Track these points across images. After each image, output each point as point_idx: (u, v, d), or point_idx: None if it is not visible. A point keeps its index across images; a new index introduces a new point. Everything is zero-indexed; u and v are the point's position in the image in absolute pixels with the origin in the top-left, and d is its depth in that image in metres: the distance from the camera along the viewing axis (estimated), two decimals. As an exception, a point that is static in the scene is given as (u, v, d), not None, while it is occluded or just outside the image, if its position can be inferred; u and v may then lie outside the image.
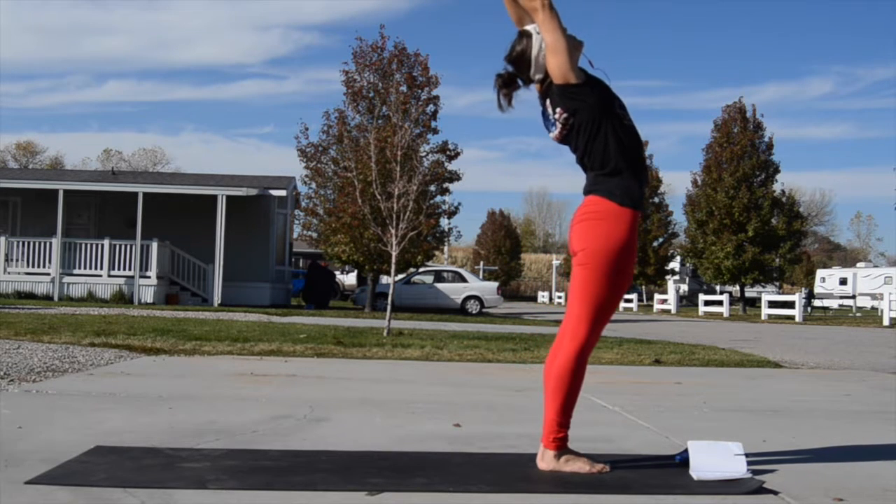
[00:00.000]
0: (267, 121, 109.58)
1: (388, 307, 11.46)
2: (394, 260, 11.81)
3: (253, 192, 21.06)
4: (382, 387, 5.49)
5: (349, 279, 36.18)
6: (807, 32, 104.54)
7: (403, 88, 20.92)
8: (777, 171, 31.50)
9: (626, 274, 3.02)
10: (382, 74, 21.75)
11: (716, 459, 2.97)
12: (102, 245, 20.42)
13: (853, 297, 36.62)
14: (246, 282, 22.01)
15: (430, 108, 21.76)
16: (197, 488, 2.63)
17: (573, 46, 3.03)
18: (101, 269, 20.33)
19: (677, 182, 79.72)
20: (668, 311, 32.55)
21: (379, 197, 12.22)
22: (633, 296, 37.93)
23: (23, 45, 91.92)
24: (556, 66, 2.98)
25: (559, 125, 3.07)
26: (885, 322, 22.15)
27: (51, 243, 20.34)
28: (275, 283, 23.39)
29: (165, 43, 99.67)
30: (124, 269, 20.29)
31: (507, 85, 3.18)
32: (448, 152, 22.19)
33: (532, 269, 71.87)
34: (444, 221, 23.29)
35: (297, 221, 25.66)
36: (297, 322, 13.63)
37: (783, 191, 31.92)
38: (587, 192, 3.09)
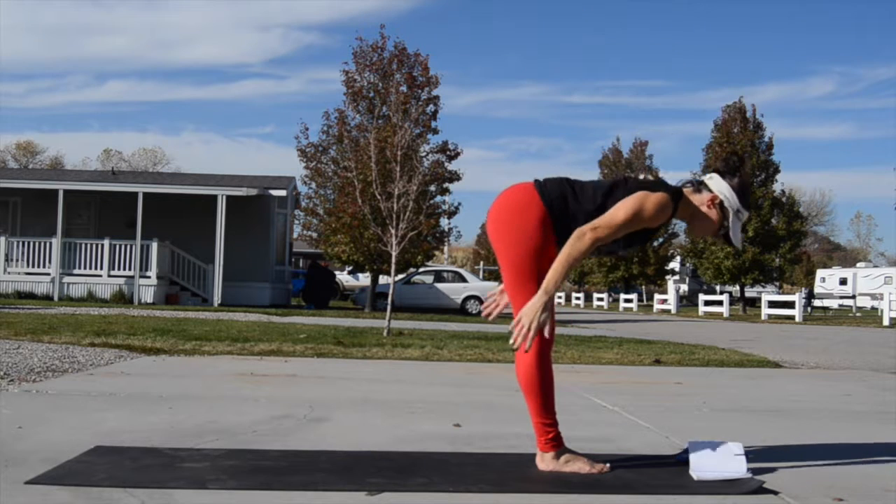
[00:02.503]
0: (267, 121, 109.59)
1: (388, 307, 11.46)
2: (394, 260, 11.81)
3: (253, 192, 21.06)
4: (382, 387, 5.49)
5: (350, 280, 35.60)
6: (808, 32, 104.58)
7: (403, 88, 20.93)
8: (777, 171, 31.53)
9: (547, 263, 2.96)
10: (382, 74, 21.76)
11: (716, 459, 2.97)
12: (102, 245, 20.43)
13: (853, 297, 36.60)
14: (246, 282, 22.02)
15: (430, 108, 21.78)
16: (197, 488, 2.63)
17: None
18: (101, 269, 20.33)
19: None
20: (668, 311, 32.54)
21: (379, 197, 12.22)
22: (633, 296, 37.93)
23: (23, 45, 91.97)
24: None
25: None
26: (885, 322, 22.15)
27: (51, 243, 20.35)
28: (275, 283, 23.39)
29: (166, 43, 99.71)
30: (124, 269, 20.30)
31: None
32: (448, 152, 22.20)
33: (532, 269, 71.68)
34: (444, 221, 23.30)
35: (297, 221, 25.67)
36: (297, 322, 13.63)
37: (783, 191, 31.94)
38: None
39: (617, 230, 2.89)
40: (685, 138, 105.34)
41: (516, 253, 2.97)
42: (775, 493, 2.77)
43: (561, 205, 2.97)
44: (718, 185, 3.05)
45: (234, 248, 21.02)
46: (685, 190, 3.07)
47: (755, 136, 31.54)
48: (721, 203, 3.04)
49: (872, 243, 78.59)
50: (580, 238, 2.84)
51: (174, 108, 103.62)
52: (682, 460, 3.09)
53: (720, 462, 2.96)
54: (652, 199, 2.90)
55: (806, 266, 53.03)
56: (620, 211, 2.89)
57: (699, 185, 3.09)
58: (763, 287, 36.47)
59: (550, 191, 3.00)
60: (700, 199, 3.06)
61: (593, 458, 3.05)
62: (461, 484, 2.77)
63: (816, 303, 34.45)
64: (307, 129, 24.66)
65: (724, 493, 2.75)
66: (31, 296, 19.91)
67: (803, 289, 39.78)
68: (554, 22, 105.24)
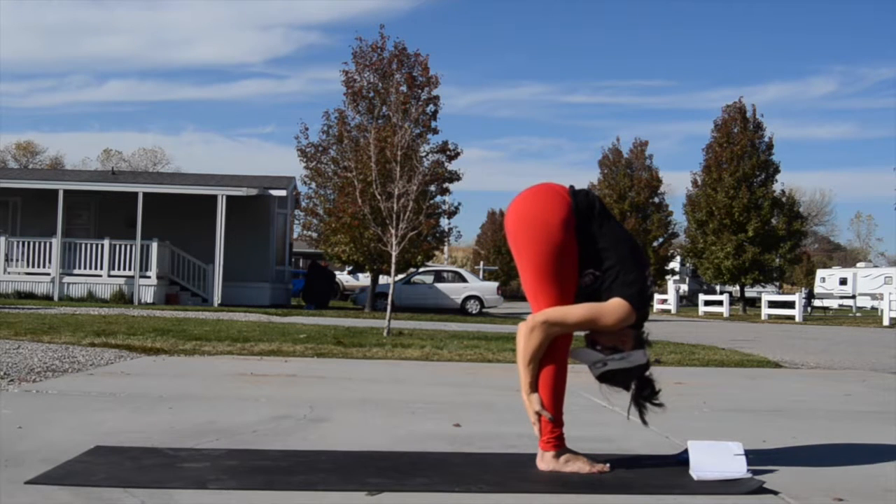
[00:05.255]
0: (268, 120, 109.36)
1: (388, 307, 11.46)
2: (394, 260, 11.81)
3: (253, 192, 21.06)
4: (382, 387, 5.49)
5: (350, 280, 35.45)
6: (809, 32, 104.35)
7: (403, 88, 20.92)
8: (777, 171, 31.52)
9: (568, 266, 2.96)
10: (382, 74, 21.75)
11: (716, 459, 2.97)
12: (102, 245, 20.42)
13: (853, 297, 36.58)
14: (246, 282, 22.00)
15: (430, 108, 21.78)
16: (197, 488, 2.63)
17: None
18: (101, 269, 20.33)
19: (677, 182, 79.28)
20: (668, 311, 32.52)
21: (379, 197, 12.22)
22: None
23: (23, 45, 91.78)
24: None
25: None
26: (885, 322, 22.15)
27: (51, 243, 20.34)
28: (275, 283, 23.38)
29: (166, 42, 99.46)
30: (124, 269, 20.29)
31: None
32: (448, 152, 22.19)
33: (532, 269, 71.59)
34: (444, 221, 23.30)
35: (297, 221, 25.66)
36: (297, 322, 13.63)
37: (783, 191, 31.94)
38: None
39: (568, 327, 2.95)
40: (685, 138, 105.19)
41: (538, 251, 2.93)
42: (775, 493, 2.77)
43: (587, 211, 2.97)
44: (635, 357, 3.09)
45: (234, 248, 21.00)
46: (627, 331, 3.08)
47: (755, 136, 31.52)
48: (617, 348, 3.06)
49: (872, 243, 78.53)
50: (531, 332, 2.93)
51: (174, 108, 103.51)
52: (682, 460, 3.09)
53: (720, 462, 2.96)
54: (617, 314, 2.96)
55: (806, 266, 52.99)
56: (577, 313, 2.92)
57: (640, 338, 3.14)
58: (763, 287, 36.41)
59: (581, 196, 3.00)
60: (622, 334, 3.08)
61: (593, 458, 3.05)
62: (461, 484, 2.77)
63: (816, 303, 34.43)
64: (307, 129, 24.68)
65: (724, 493, 2.75)
66: (31, 296, 19.90)
67: (803, 289, 39.74)
68: (554, 22, 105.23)
